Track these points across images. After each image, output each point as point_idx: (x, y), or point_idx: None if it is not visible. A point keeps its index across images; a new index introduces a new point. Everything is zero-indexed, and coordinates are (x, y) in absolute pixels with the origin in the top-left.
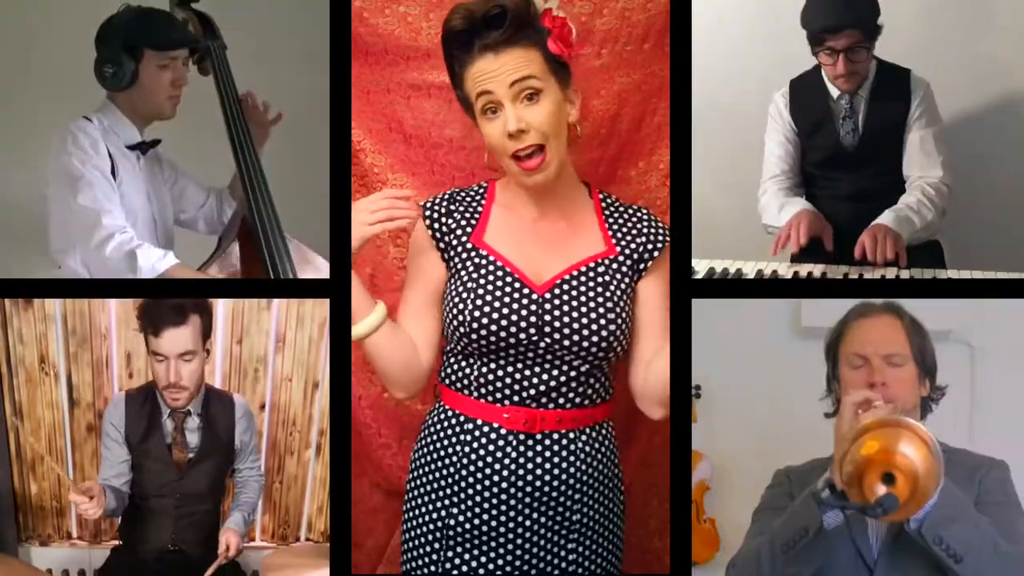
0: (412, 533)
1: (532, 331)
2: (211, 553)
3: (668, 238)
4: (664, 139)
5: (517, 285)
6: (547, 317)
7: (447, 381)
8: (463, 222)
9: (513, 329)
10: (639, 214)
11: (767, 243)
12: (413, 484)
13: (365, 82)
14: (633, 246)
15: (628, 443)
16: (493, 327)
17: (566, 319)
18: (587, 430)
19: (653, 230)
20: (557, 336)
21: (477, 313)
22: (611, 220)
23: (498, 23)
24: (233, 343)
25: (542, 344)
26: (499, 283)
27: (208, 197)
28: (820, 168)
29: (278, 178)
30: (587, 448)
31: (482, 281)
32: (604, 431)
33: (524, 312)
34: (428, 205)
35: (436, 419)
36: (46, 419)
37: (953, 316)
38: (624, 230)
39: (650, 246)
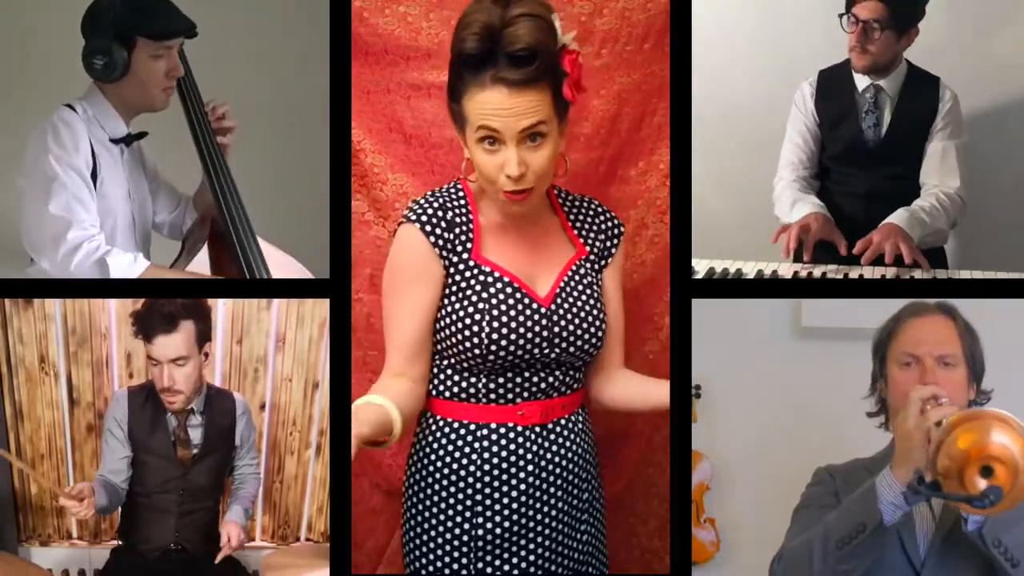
0: (430, 546)
1: (544, 344)
2: (212, 552)
3: (622, 229)
4: (664, 139)
5: (527, 301)
6: (556, 328)
7: (444, 394)
8: (463, 237)
9: (529, 345)
10: (593, 206)
11: (767, 243)
12: (421, 495)
13: (365, 82)
14: (599, 243)
15: (628, 443)
16: (511, 347)
17: (571, 327)
18: (579, 411)
19: (609, 224)
20: (565, 345)
21: (496, 336)
22: (572, 217)
23: (523, 64)
24: (233, 343)
25: (552, 354)
26: (510, 300)
27: (179, 204)
28: (837, 162)
29: (269, 181)
30: (583, 427)
31: (494, 301)
32: (586, 411)
33: (537, 328)
34: (424, 219)
35: (433, 434)
36: (46, 419)
37: None
38: (587, 227)
39: (609, 243)
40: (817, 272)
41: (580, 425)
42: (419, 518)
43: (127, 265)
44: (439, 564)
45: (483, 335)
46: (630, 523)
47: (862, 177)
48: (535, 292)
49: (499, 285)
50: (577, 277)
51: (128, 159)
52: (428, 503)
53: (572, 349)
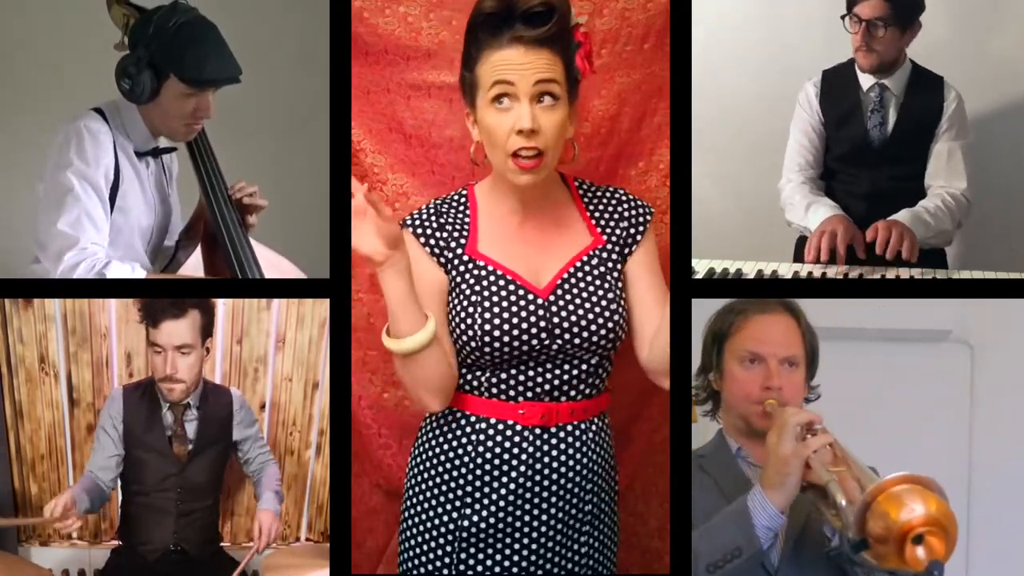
0: (419, 539)
1: (543, 335)
2: (213, 553)
3: (650, 214)
4: (664, 139)
5: (521, 292)
6: (555, 320)
7: (465, 387)
8: (456, 234)
9: (525, 337)
10: (617, 195)
11: (767, 243)
12: (416, 487)
13: (365, 82)
14: (619, 232)
15: (628, 443)
16: (505, 337)
17: (573, 318)
18: (595, 419)
19: (634, 211)
20: (567, 336)
21: (488, 327)
22: (592, 207)
23: (540, 21)
24: (233, 343)
25: (553, 347)
26: (503, 292)
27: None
28: (843, 162)
29: (268, 181)
30: (596, 438)
31: (486, 293)
32: (606, 420)
33: (532, 319)
34: (416, 223)
35: (439, 421)
36: (46, 419)
37: (953, 316)
38: (607, 216)
39: (632, 230)
40: (818, 272)
41: (591, 435)
42: (413, 504)
43: (125, 276)
44: (428, 554)
45: (476, 327)
46: (630, 523)
47: (868, 177)
48: (532, 284)
49: (492, 278)
50: (588, 267)
51: (155, 171)
52: (421, 489)
53: (577, 341)
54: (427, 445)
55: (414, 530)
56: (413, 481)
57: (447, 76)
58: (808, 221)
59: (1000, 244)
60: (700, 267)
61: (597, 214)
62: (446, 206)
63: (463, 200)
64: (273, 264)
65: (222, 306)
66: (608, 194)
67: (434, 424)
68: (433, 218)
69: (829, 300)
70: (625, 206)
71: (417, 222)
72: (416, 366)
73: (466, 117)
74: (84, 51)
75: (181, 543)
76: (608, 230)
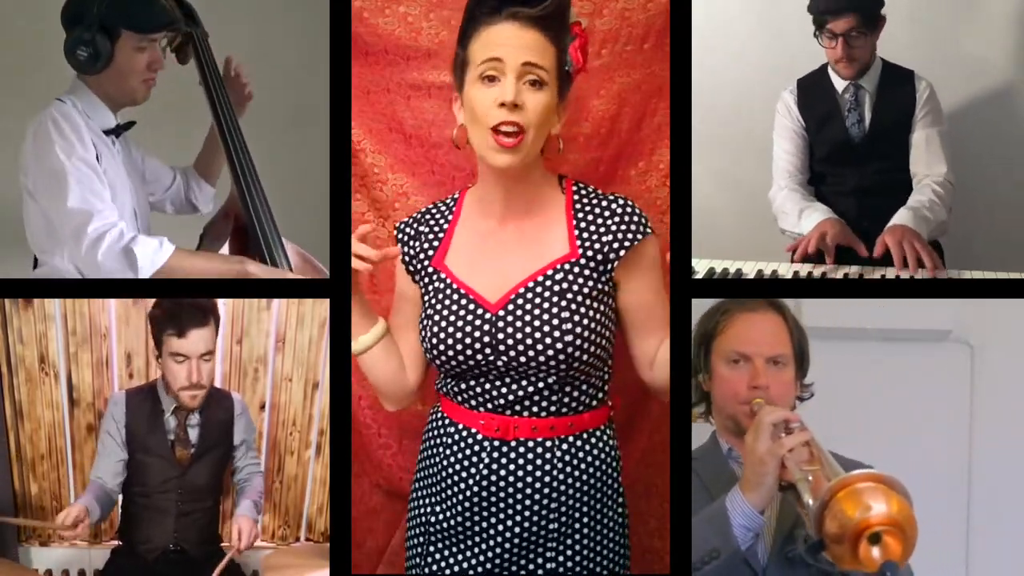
0: (410, 533)
1: (488, 351)
2: (212, 553)
3: (643, 232)
4: (664, 139)
5: (472, 307)
6: (500, 336)
7: (442, 389)
8: (426, 245)
9: (469, 352)
10: (613, 207)
11: (767, 243)
12: (415, 485)
13: (365, 82)
14: (597, 246)
15: (628, 443)
16: (450, 352)
17: (519, 335)
18: (569, 439)
19: (624, 225)
20: (513, 353)
21: (436, 340)
22: (580, 217)
23: (536, 1)
24: (233, 343)
25: (499, 362)
26: (454, 307)
27: (175, 178)
28: (827, 164)
29: (268, 181)
30: (566, 457)
31: (439, 307)
32: (594, 438)
33: (477, 333)
34: (400, 228)
35: (431, 422)
36: (46, 419)
37: (953, 316)
38: (591, 229)
39: (616, 244)
40: (818, 272)
41: (559, 455)
42: (411, 496)
43: (153, 252)
44: (410, 549)
45: (429, 340)
46: (630, 523)
47: (853, 175)
48: (485, 298)
49: (448, 291)
50: (549, 282)
51: (120, 149)
52: (417, 484)
53: (522, 358)
54: (423, 445)
55: (410, 523)
56: (415, 477)
57: (447, 76)
58: (801, 227)
59: (996, 243)
60: (700, 267)
61: (583, 225)
62: (431, 213)
63: (450, 206)
64: (304, 260)
65: (222, 306)
66: (604, 203)
67: (428, 425)
68: (413, 226)
69: (829, 300)
70: (616, 219)
71: (401, 227)
72: (364, 366)
73: (453, 101)
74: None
75: (181, 543)
76: (588, 243)
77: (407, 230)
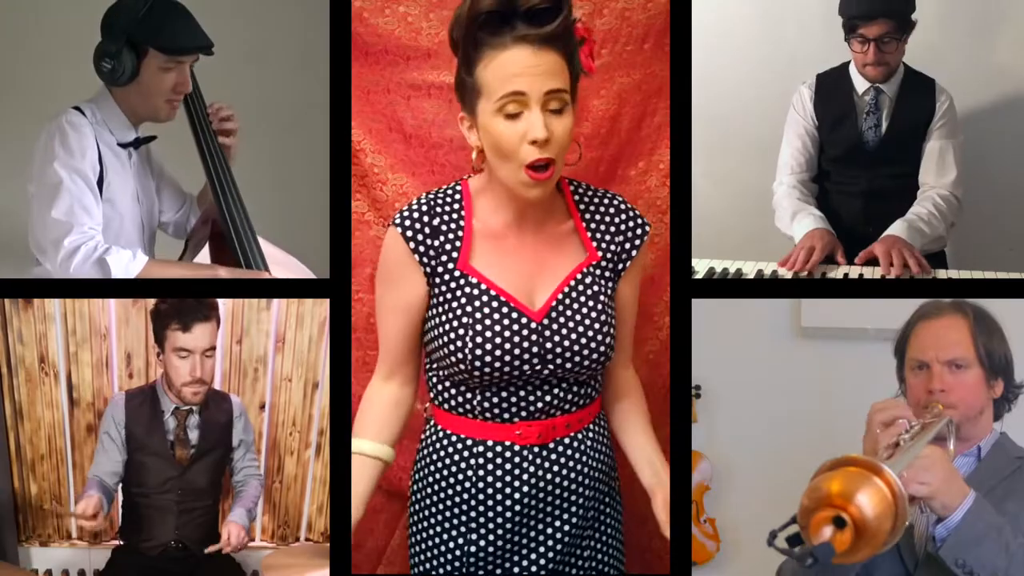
0: (432, 563)
1: (535, 361)
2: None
3: (646, 232)
4: (664, 139)
5: (515, 315)
6: (548, 344)
7: (444, 405)
8: (448, 245)
9: (517, 362)
10: (615, 204)
11: (767, 243)
12: (422, 512)
13: (365, 82)
14: (614, 247)
15: None
16: (497, 363)
17: (566, 343)
18: (591, 426)
19: (630, 224)
20: (559, 361)
21: (479, 352)
22: (588, 217)
23: (546, 18)
24: (233, 343)
25: (545, 371)
26: (496, 315)
27: (184, 203)
28: (837, 164)
29: (269, 181)
30: (594, 444)
31: (478, 315)
32: (602, 422)
33: (526, 344)
34: (408, 223)
35: (435, 444)
36: (46, 419)
37: None
38: (603, 229)
39: (628, 245)
40: (817, 272)
41: (589, 443)
42: (421, 526)
43: (127, 262)
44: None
45: (467, 351)
46: (630, 523)
47: (862, 178)
48: (526, 305)
49: (485, 298)
50: (581, 287)
51: (136, 162)
52: (428, 513)
53: (568, 365)
54: (428, 469)
55: (425, 555)
56: (418, 506)
57: (447, 76)
58: (793, 231)
59: (998, 244)
60: (700, 267)
61: (593, 225)
62: (440, 207)
63: (457, 200)
64: (281, 263)
65: (222, 306)
66: (606, 202)
67: (432, 446)
68: (426, 219)
69: (829, 300)
70: (622, 217)
71: (407, 223)
72: (353, 468)
73: (460, 120)
74: (69, 53)
75: (182, 539)
76: (604, 244)
77: (422, 227)
